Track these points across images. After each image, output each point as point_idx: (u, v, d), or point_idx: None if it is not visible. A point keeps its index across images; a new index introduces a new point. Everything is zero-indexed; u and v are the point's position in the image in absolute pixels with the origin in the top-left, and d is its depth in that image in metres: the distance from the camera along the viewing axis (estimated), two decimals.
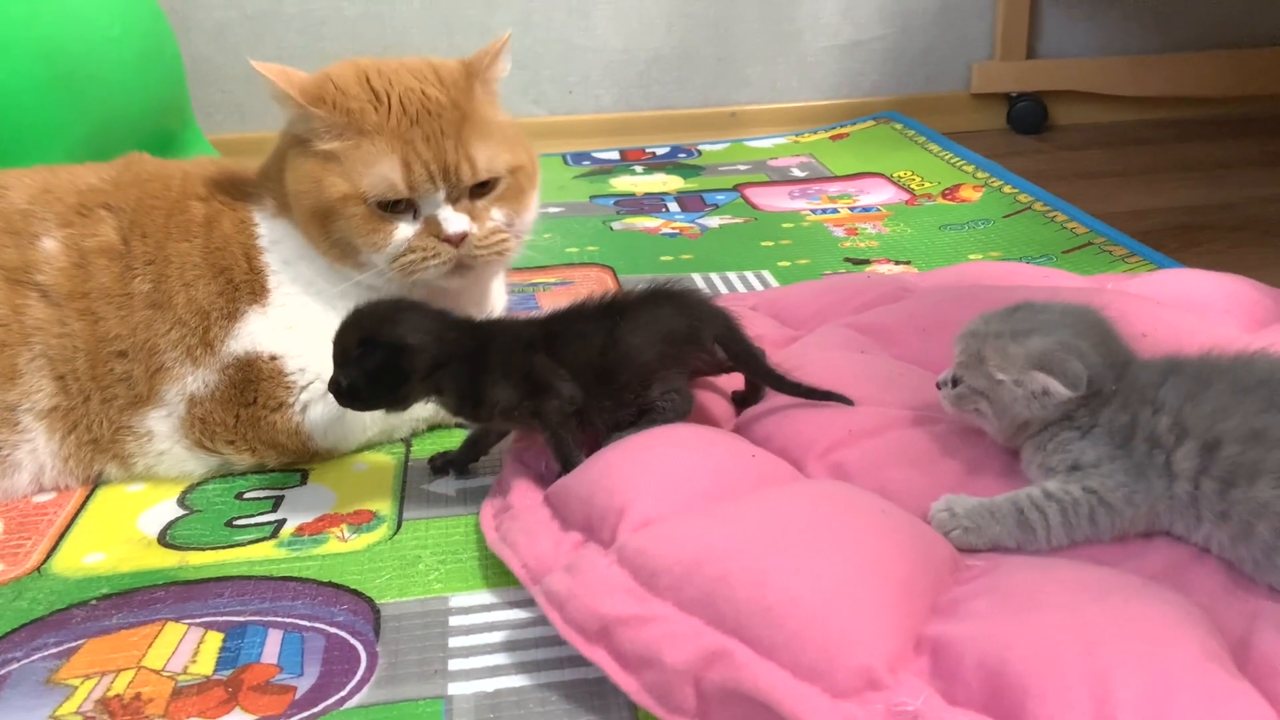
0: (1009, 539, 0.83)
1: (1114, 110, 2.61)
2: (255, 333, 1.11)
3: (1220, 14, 2.60)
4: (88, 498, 1.09)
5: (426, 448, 1.16)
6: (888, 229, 1.83)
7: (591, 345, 0.99)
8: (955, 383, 0.93)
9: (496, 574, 0.93)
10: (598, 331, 0.99)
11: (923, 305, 1.23)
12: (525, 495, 0.99)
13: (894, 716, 0.67)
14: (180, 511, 1.06)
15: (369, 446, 1.16)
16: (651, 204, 2.03)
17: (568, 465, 0.97)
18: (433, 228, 1.08)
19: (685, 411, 1.00)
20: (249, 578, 0.95)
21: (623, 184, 2.17)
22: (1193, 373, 0.84)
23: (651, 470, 0.89)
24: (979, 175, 2.07)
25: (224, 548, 0.99)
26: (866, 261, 1.68)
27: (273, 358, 1.10)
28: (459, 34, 2.43)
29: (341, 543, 0.99)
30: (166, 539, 1.01)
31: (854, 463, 0.94)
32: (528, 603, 0.89)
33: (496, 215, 1.12)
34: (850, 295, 1.34)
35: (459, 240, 1.08)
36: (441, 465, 1.10)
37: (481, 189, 1.11)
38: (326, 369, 1.09)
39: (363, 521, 1.03)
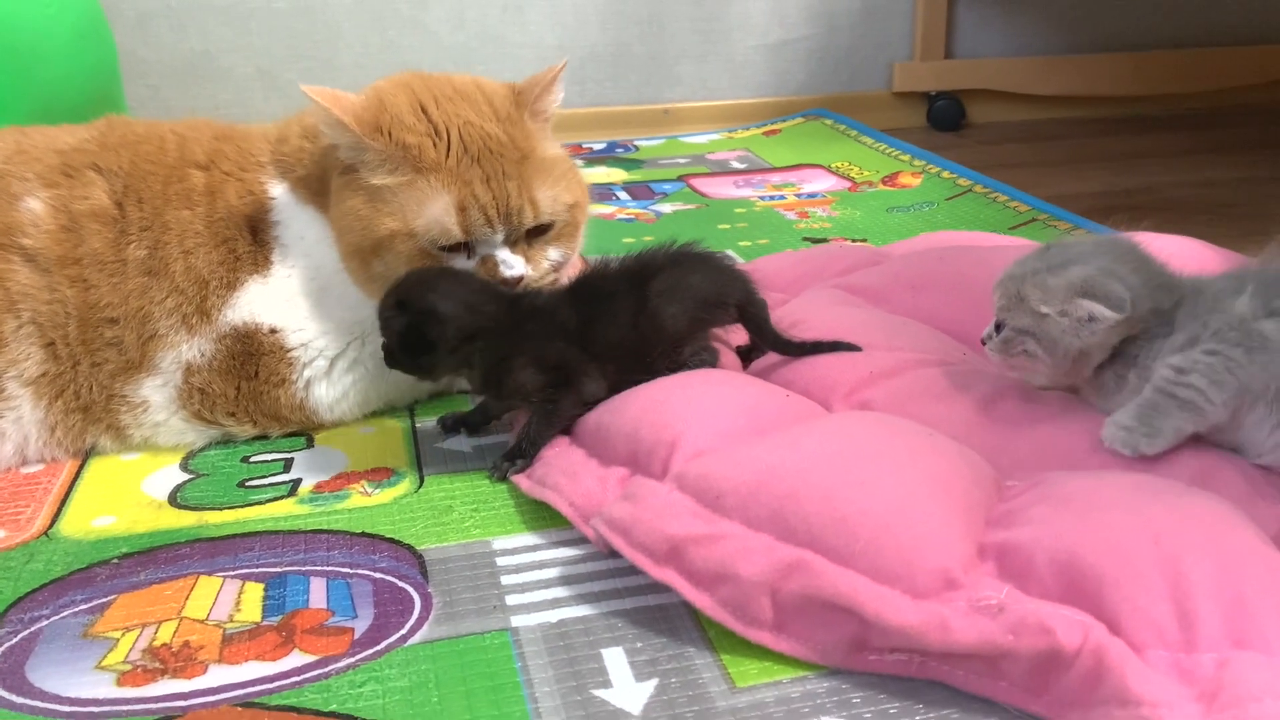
0: (1189, 423, 0.84)
1: (1026, 109, 2.73)
2: (254, 303, 1.08)
3: (1122, 18, 2.75)
4: (81, 467, 1.05)
5: (431, 412, 1.14)
6: (837, 212, 1.88)
7: (622, 319, 0.98)
8: (999, 330, 0.93)
9: (535, 518, 0.93)
10: (628, 301, 0.98)
11: (907, 266, 1.27)
12: (554, 443, 0.99)
13: (979, 611, 0.70)
14: (186, 476, 1.03)
15: (373, 413, 1.14)
16: (601, 193, 2.05)
17: (531, 448, 0.97)
18: (490, 268, 1.04)
19: (714, 365, 1.02)
20: (277, 532, 0.92)
21: None
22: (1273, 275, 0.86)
23: (697, 406, 0.90)
24: (916, 163, 2.14)
25: (241, 507, 0.96)
26: (824, 240, 1.72)
27: (273, 331, 1.08)
28: (392, 29, 2.41)
29: (365, 497, 0.97)
30: (178, 501, 0.98)
31: (880, 401, 0.96)
32: (575, 541, 0.89)
33: (553, 255, 1.08)
34: (829, 262, 1.38)
35: (516, 283, 1.04)
36: (453, 424, 1.09)
37: (540, 228, 1.06)
38: (330, 344, 1.08)
39: (383, 478, 1.01)
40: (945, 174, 2.05)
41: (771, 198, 1.99)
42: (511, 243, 1.05)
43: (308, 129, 1.13)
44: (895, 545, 0.73)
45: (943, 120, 2.66)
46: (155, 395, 1.06)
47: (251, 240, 1.09)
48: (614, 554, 0.85)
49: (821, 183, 2.08)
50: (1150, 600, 0.67)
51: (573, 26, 2.51)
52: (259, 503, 0.97)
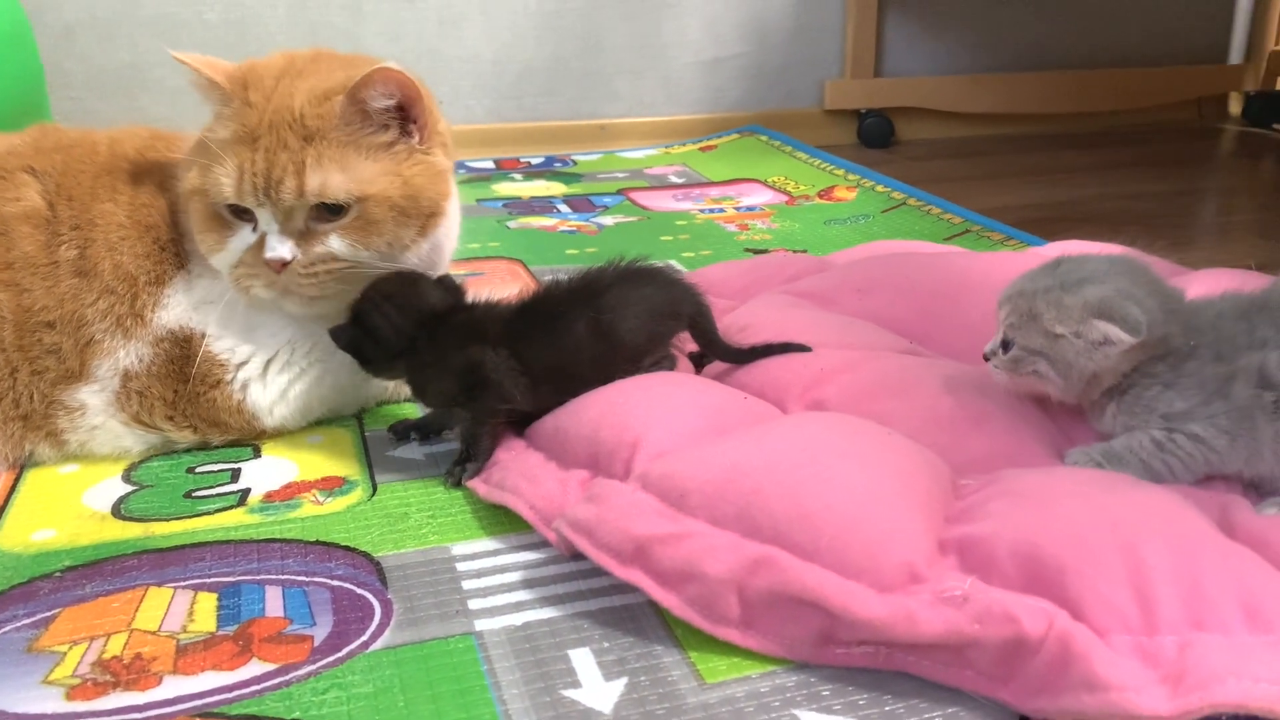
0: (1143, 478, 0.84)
1: (952, 126, 2.80)
2: (184, 304, 1.06)
3: (1043, 38, 2.83)
4: (16, 480, 1.01)
5: (379, 420, 1.13)
6: (776, 224, 1.90)
7: (576, 333, 0.97)
8: (1007, 347, 0.90)
9: (494, 523, 0.92)
10: (580, 318, 0.98)
11: (853, 272, 1.29)
12: (507, 447, 0.98)
13: (944, 603, 0.70)
14: (129, 488, 1.00)
15: (318, 423, 1.12)
16: (541, 205, 2.05)
17: (472, 455, 0.97)
18: (262, 246, 1.01)
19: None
20: (228, 542, 0.90)
21: (505, 189, 2.17)
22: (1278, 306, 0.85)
23: (657, 407, 0.90)
24: (850, 178, 2.18)
25: (189, 517, 0.94)
26: (765, 251, 1.74)
27: (204, 336, 1.05)
28: (326, 42, 2.35)
29: (318, 506, 0.96)
30: (122, 512, 0.95)
31: (833, 399, 0.98)
32: (536, 545, 0.88)
33: (334, 245, 1.00)
34: (774, 270, 1.39)
35: (276, 265, 0.99)
36: (403, 431, 1.08)
37: (325, 215, 1.00)
38: (258, 346, 1.06)
39: (334, 486, 0.99)
40: (879, 188, 2.09)
41: (711, 211, 2.01)
42: (288, 220, 1.00)
43: None
44: (860, 540, 0.74)
45: (872, 137, 2.71)
46: (92, 399, 1.03)
47: (171, 232, 1.07)
48: (577, 556, 0.84)
49: (759, 196, 2.11)
50: (1110, 586, 0.68)
51: (509, 41, 2.51)
52: (207, 513, 0.94)
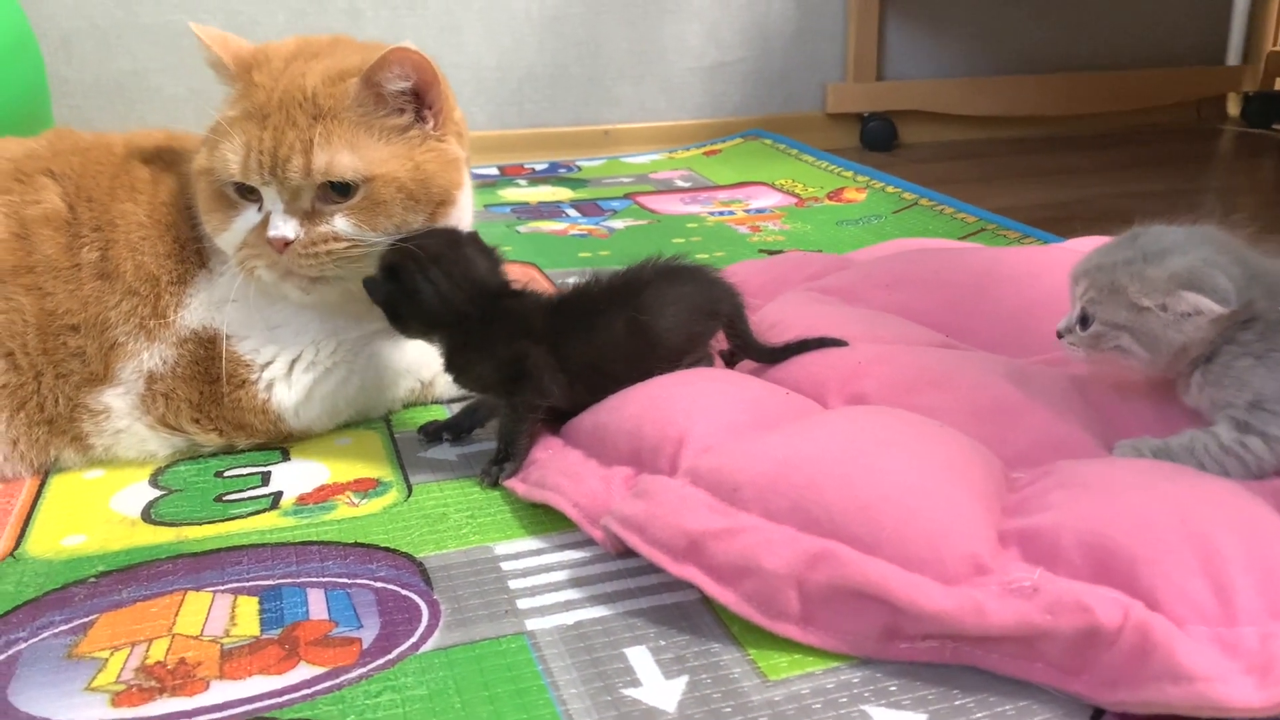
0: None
1: (954, 129, 2.79)
2: (206, 303, 1.04)
3: (1043, 41, 2.83)
4: (42, 486, 0.99)
5: (407, 422, 1.11)
6: (788, 226, 1.89)
7: (615, 332, 0.96)
8: (1085, 323, 0.88)
9: (535, 522, 0.90)
10: (618, 316, 0.96)
11: (878, 267, 1.28)
12: (544, 445, 0.97)
13: (1013, 594, 0.69)
14: (157, 492, 0.98)
15: (345, 425, 1.10)
16: (549, 210, 2.03)
17: (508, 453, 0.96)
18: (265, 225, 0.98)
19: None
20: (264, 545, 0.88)
21: (512, 195, 2.16)
22: None
23: (700, 402, 0.89)
24: (859, 179, 2.17)
25: (222, 521, 0.92)
26: (780, 252, 1.72)
27: (227, 337, 1.03)
28: None
29: (353, 508, 0.94)
30: (152, 517, 0.93)
31: (872, 393, 0.96)
32: (581, 543, 0.86)
33: (339, 225, 0.97)
34: (796, 268, 1.38)
35: (278, 245, 0.97)
36: (435, 432, 1.06)
37: (332, 194, 0.98)
38: (283, 345, 1.05)
39: (368, 488, 0.97)
40: (889, 189, 2.08)
41: (721, 213, 2.00)
42: (295, 200, 0.98)
43: None
44: (921, 532, 0.72)
45: (875, 140, 2.70)
46: (117, 402, 1.01)
47: (191, 230, 1.05)
48: (624, 554, 0.83)
49: (768, 199, 2.10)
50: (1185, 576, 0.67)
51: (510, 48, 2.50)
52: (240, 516, 0.92)
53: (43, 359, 0.99)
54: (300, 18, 2.34)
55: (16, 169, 1.04)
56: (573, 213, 2.02)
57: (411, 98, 1.00)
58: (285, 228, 0.97)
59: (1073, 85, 2.83)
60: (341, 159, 0.96)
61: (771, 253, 1.72)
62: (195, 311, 1.03)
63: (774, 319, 1.12)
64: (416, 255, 0.94)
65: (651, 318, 0.95)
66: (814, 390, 0.98)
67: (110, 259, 1.02)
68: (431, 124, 1.02)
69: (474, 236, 1.01)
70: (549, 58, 2.53)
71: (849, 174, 2.21)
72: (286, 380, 1.05)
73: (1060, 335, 0.91)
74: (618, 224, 1.93)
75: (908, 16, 2.74)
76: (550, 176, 2.33)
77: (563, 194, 2.17)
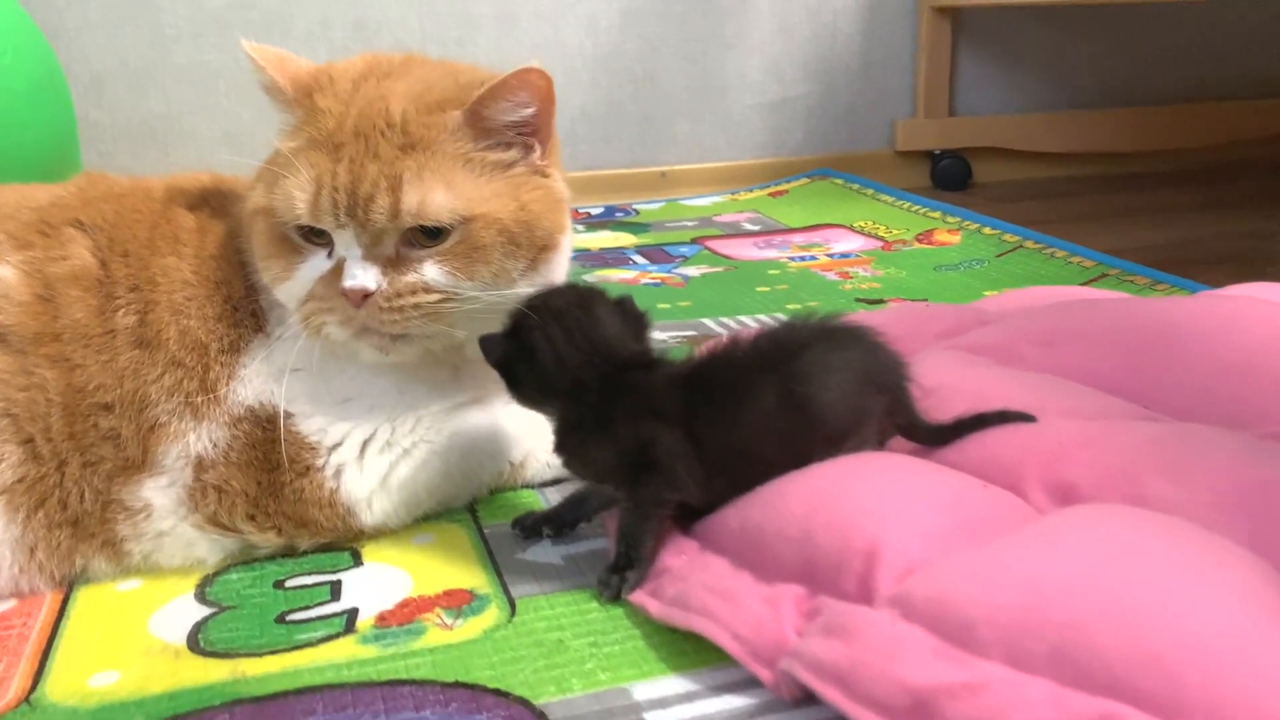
0: None
1: (1033, 167, 2.62)
2: (264, 374, 0.87)
3: (1125, 72, 2.67)
4: (65, 603, 0.82)
5: (497, 511, 0.94)
6: (880, 271, 1.72)
7: (764, 407, 0.78)
8: None
9: (675, 653, 0.72)
10: (768, 388, 0.78)
11: (1033, 321, 1.10)
12: (676, 549, 0.79)
13: None
14: (206, 610, 0.80)
15: (424, 518, 0.93)
16: (614, 258, 1.87)
17: (632, 558, 0.78)
18: (339, 274, 0.83)
19: None
20: (342, 685, 0.70)
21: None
22: None
23: (888, 501, 0.71)
24: (950, 220, 2.00)
25: (287, 650, 0.74)
26: (881, 301, 1.55)
27: (288, 415, 0.87)
28: None
29: (446, 631, 0.76)
30: (201, 645, 0.75)
31: (1085, 483, 0.78)
32: (745, 685, 0.68)
33: (430, 274, 0.83)
34: (926, 321, 1.21)
35: (355, 298, 0.82)
36: (532, 526, 0.88)
37: (421, 239, 0.84)
38: (356, 423, 0.88)
39: (462, 603, 0.79)
40: (987, 230, 1.91)
41: (801, 258, 1.83)
42: (376, 248, 0.83)
43: None
44: (1238, 690, 0.54)
45: (949, 179, 2.53)
46: (159, 497, 0.85)
47: (244, 287, 0.89)
48: (805, 700, 0.65)
49: (850, 242, 1.93)
50: None
51: (562, 84, 2.31)
52: (309, 644, 0.75)
53: (68, 445, 0.83)
54: (342, 55, 2.19)
55: (41, 220, 0.89)
56: (639, 259, 1.85)
57: (523, 128, 0.85)
58: (365, 277, 0.82)
59: (1158, 119, 2.66)
60: (436, 198, 0.82)
61: (870, 302, 1.55)
62: (251, 384, 0.87)
63: (930, 385, 0.94)
64: (539, 309, 0.79)
65: (812, 389, 0.78)
66: (1006, 480, 0.80)
67: (150, 324, 0.86)
68: (538, 153, 0.87)
69: (619, 299, 0.84)
70: (603, 95, 2.38)
71: (937, 214, 2.04)
72: (358, 464, 0.89)
73: None
74: (691, 271, 1.77)
75: (981, 48, 2.58)
76: (608, 221, 2.18)
77: (625, 239, 2.01)
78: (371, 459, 0.89)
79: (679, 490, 0.78)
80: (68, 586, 0.84)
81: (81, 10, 2.04)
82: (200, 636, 0.76)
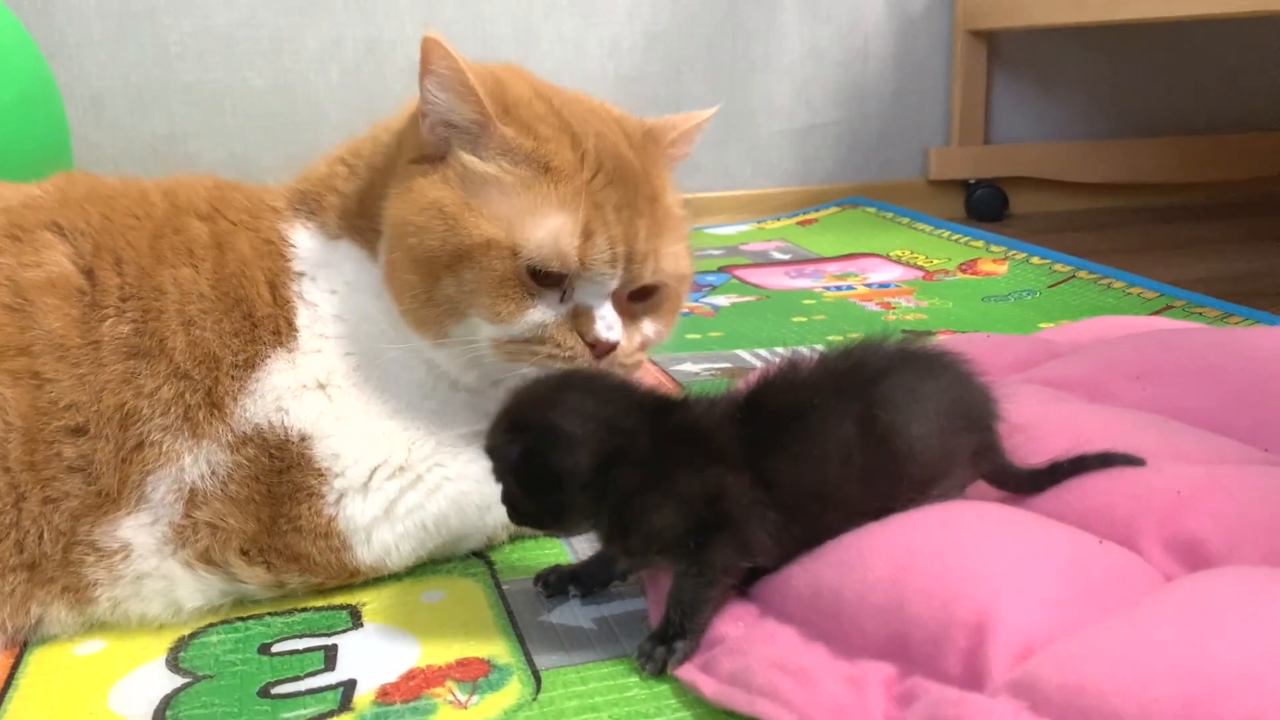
0: None
1: (1069, 197, 2.51)
2: (281, 390, 0.78)
3: (1165, 101, 2.56)
4: (15, 668, 0.70)
5: (515, 565, 0.82)
6: (924, 302, 1.61)
7: (842, 437, 0.66)
8: None
9: None
10: (845, 414, 0.67)
11: (1120, 353, 0.98)
12: (731, 616, 0.67)
13: None
14: (178, 680, 0.68)
15: (433, 569, 0.81)
16: None
17: (685, 627, 0.66)
18: (582, 322, 0.79)
19: None
20: None
21: None
22: None
23: (999, 563, 0.59)
24: (994, 249, 1.88)
25: None
26: (930, 333, 1.44)
27: (302, 438, 0.76)
28: (384, 110, 2.13)
29: (459, 710, 0.64)
30: None
31: (1212, 537, 0.66)
32: None
33: (648, 329, 0.85)
34: (993, 352, 1.08)
35: (605, 350, 0.79)
36: (558, 584, 0.76)
37: (643, 292, 0.83)
38: (378, 447, 0.78)
39: (478, 676, 0.67)
40: (1035, 260, 1.79)
41: (837, 288, 1.72)
42: (616, 301, 0.81)
43: (352, 148, 0.89)
44: None
45: (984, 209, 2.42)
46: (140, 536, 0.74)
47: (272, 301, 0.80)
48: None
49: (888, 272, 1.82)
50: None
51: None
52: None
53: (26, 475, 0.71)
54: (354, 77, 2.11)
55: (11, 223, 0.78)
56: None
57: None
58: (618, 331, 0.81)
59: (1200, 148, 2.55)
60: (678, 261, 0.84)
61: (919, 334, 1.43)
62: (263, 401, 0.77)
63: (1017, 422, 0.82)
64: (532, 398, 0.68)
65: (900, 419, 0.66)
66: (1116, 534, 0.68)
67: (150, 334, 0.76)
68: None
69: (580, 374, 0.74)
70: None
71: (979, 244, 1.93)
72: (363, 491, 0.78)
73: None
74: (720, 300, 1.66)
75: (1017, 75, 2.48)
76: None
77: None
78: (379, 485, 0.79)
79: (753, 553, 0.66)
80: (19, 647, 0.72)
81: (82, 27, 1.96)
82: (169, 714, 0.64)
